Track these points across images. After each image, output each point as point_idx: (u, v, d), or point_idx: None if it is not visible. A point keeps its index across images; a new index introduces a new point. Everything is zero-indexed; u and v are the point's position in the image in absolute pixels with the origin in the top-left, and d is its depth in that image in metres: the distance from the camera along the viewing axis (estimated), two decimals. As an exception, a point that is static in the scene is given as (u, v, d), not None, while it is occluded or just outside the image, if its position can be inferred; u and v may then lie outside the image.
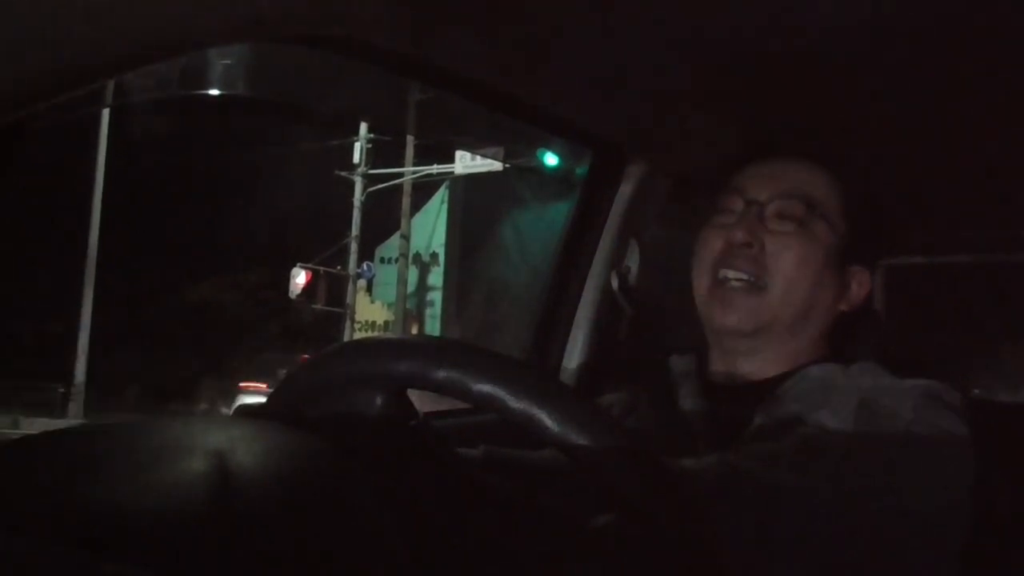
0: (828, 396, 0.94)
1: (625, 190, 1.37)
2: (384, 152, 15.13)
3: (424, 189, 16.12)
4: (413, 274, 16.48)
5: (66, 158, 13.00)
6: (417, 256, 16.65)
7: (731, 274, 1.01)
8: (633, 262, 1.39)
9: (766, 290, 0.99)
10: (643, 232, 1.39)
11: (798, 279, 1.00)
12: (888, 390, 0.93)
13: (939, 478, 0.87)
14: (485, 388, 0.59)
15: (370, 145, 14.81)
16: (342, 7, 0.84)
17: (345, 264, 15.32)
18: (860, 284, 1.05)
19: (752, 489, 0.80)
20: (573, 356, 1.40)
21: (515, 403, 0.58)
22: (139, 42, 0.64)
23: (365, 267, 15.77)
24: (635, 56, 1.09)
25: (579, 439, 0.57)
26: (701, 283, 1.04)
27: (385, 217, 15.86)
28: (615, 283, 1.37)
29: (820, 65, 1.07)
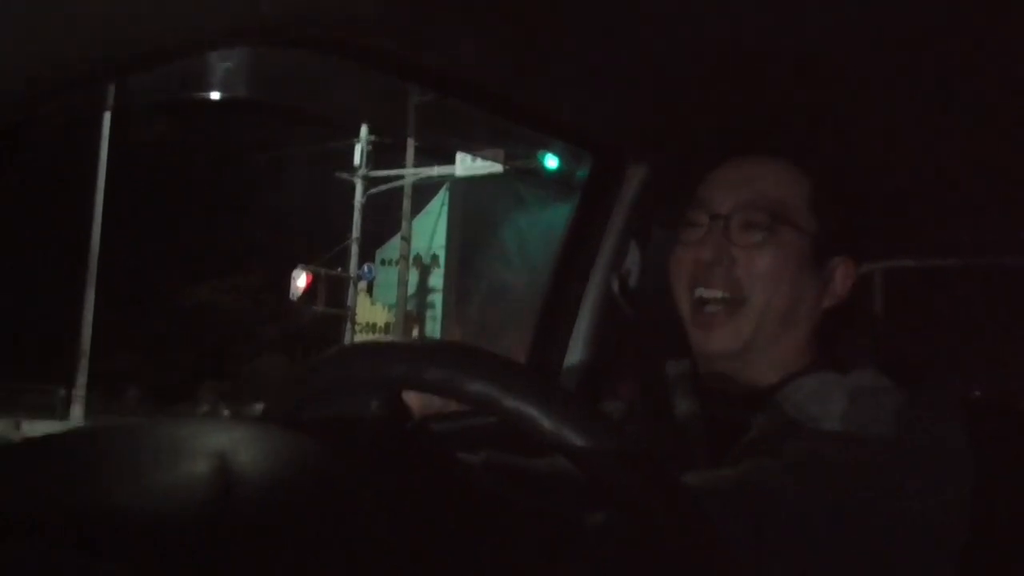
0: (825, 403, 0.94)
1: (626, 193, 1.37)
2: (384, 154, 15.15)
3: (424, 191, 16.14)
4: (414, 276, 16.49)
5: (68, 161, 13.03)
6: (418, 258, 16.65)
7: (706, 293, 1.00)
8: (634, 265, 1.39)
9: (744, 305, 0.99)
10: (644, 235, 1.39)
11: (774, 288, 0.99)
12: (885, 395, 0.93)
13: (936, 482, 0.87)
14: (478, 387, 0.59)
15: (370, 147, 14.82)
16: (343, 10, 0.84)
17: (346, 266, 15.33)
18: (844, 276, 1.03)
19: (752, 499, 0.80)
20: (574, 359, 1.40)
21: (511, 403, 0.58)
22: (138, 45, 0.64)
23: (366, 269, 15.76)
24: (636, 59, 1.08)
25: (577, 440, 0.57)
26: (681, 305, 1.03)
27: (385, 219, 15.88)
28: (615, 286, 1.37)
29: (822, 68, 1.07)
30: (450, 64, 1.05)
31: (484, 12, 0.95)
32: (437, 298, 17.03)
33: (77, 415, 12.68)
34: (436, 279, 17.03)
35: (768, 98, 1.16)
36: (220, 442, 0.48)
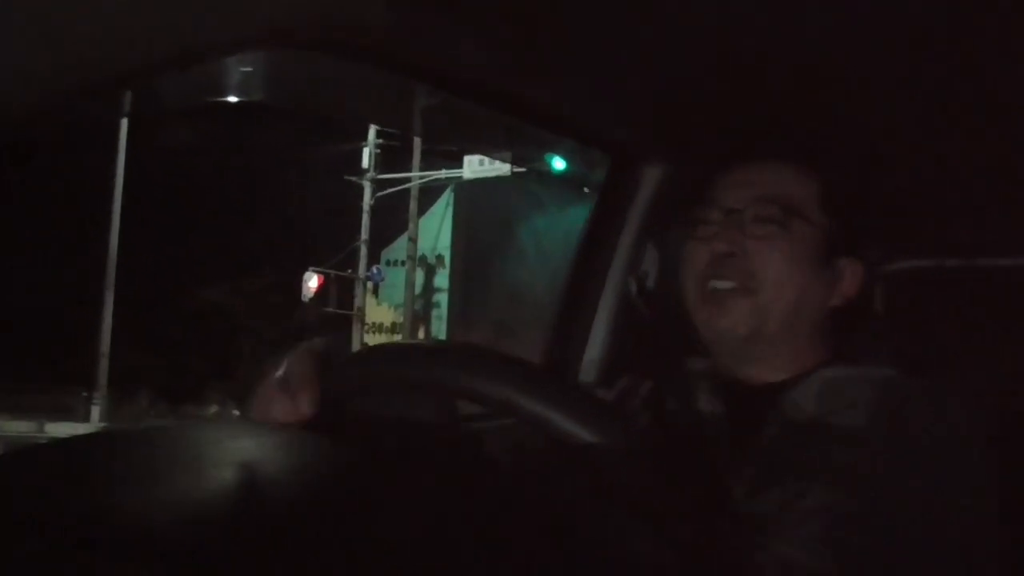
0: (841, 402, 0.94)
1: (643, 194, 1.38)
2: (391, 157, 15.19)
3: (429, 192, 16.17)
4: (419, 276, 16.52)
5: (86, 167, 13.11)
6: (423, 258, 16.67)
7: (720, 284, 1.01)
8: (651, 266, 1.39)
9: (757, 294, 0.99)
10: (661, 236, 1.39)
11: (786, 279, 1.00)
12: (904, 395, 0.93)
13: (960, 483, 0.88)
14: (489, 387, 0.60)
15: (378, 150, 14.88)
16: (356, 14, 0.85)
17: (353, 267, 15.38)
18: (853, 275, 1.03)
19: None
20: (591, 358, 1.41)
21: (524, 402, 0.59)
22: (150, 52, 0.64)
23: (375, 270, 15.79)
24: (653, 61, 1.09)
25: (588, 436, 0.57)
26: (692, 296, 1.04)
27: (390, 220, 15.92)
28: (632, 287, 1.37)
29: (834, 71, 1.08)
30: (466, 66, 1.06)
31: (499, 14, 0.95)
32: (442, 298, 17.04)
33: (96, 416, 12.76)
34: (441, 279, 17.04)
35: (781, 100, 1.17)
36: (249, 449, 0.48)
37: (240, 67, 1.14)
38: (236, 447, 0.48)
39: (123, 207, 13.20)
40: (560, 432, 0.57)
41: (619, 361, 1.41)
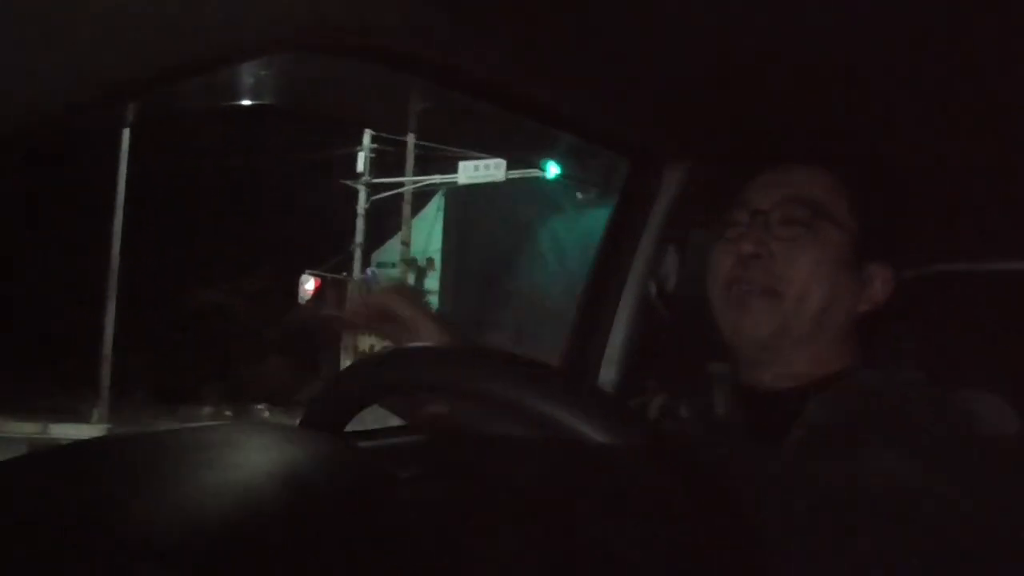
0: (869, 408, 0.93)
1: (663, 197, 1.38)
2: (385, 161, 15.22)
3: (423, 196, 16.22)
4: (410, 279, 16.54)
5: (89, 172, 13.10)
6: (413, 261, 16.70)
7: (745, 286, 1.00)
8: (671, 268, 1.40)
9: (782, 297, 0.99)
10: (682, 239, 1.39)
11: (812, 282, 0.99)
12: (934, 400, 0.93)
13: (995, 487, 0.88)
14: (502, 388, 0.59)
15: (373, 155, 14.91)
16: (374, 18, 0.84)
17: (348, 270, 15.39)
18: (883, 282, 1.03)
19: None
20: (611, 361, 1.41)
21: (540, 404, 0.58)
22: (158, 61, 0.64)
23: (370, 273, 15.81)
24: (675, 64, 1.08)
25: (605, 438, 0.56)
26: (716, 298, 1.04)
27: (381, 222, 15.94)
28: (653, 290, 1.38)
29: (861, 75, 1.08)
30: (476, 67, 1.05)
31: (520, 17, 0.95)
32: (433, 300, 17.05)
33: (99, 418, 12.71)
34: (432, 282, 17.06)
35: (806, 104, 1.17)
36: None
37: (247, 71, 1.13)
38: (244, 450, 0.48)
39: (125, 209, 13.20)
40: (578, 434, 0.57)
41: (638, 364, 1.41)
